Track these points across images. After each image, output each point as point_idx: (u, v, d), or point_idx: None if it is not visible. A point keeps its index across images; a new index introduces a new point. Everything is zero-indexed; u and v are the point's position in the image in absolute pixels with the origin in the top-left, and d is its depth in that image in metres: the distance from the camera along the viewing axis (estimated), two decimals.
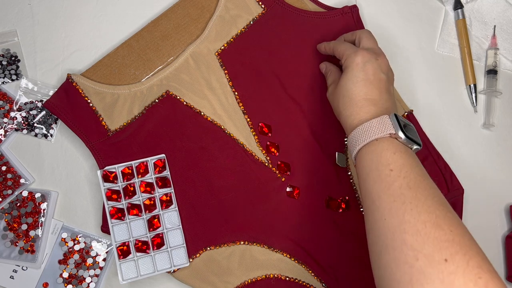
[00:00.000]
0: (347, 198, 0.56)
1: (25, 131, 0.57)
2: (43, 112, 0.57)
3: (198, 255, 0.54)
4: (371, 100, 0.47)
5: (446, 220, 0.38)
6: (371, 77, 0.48)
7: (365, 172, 0.44)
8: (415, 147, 0.45)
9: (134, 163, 0.54)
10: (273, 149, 0.56)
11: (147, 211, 0.53)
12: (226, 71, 0.57)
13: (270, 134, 0.56)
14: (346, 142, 0.48)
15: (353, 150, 0.46)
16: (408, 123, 0.47)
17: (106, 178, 0.53)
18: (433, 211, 0.39)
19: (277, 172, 0.56)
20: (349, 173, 0.56)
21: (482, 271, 0.35)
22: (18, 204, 0.55)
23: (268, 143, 0.56)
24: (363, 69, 0.48)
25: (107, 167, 0.53)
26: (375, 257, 0.41)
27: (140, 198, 0.54)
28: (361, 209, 0.55)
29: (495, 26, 0.64)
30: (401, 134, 0.44)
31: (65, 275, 0.55)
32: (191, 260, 0.53)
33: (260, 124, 0.56)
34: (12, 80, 0.58)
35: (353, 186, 0.56)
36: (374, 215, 0.41)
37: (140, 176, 0.54)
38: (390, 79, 0.50)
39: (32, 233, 0.55)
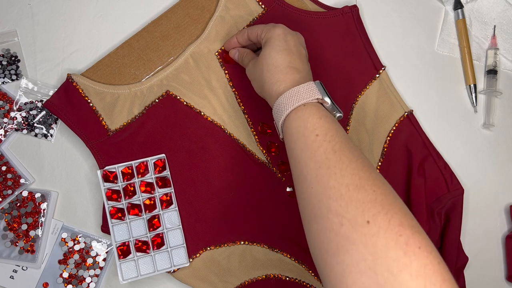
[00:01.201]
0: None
1: (25, 131, 0.57)
2: (43, 112, 0.57)
3: (198, 255, 0.54)
4: (295, 68, 0.47)
5: (370, 180, 0.38)
6: (293, 48, 0.49)
7: (293, 140, 0.44)
8: (338, 114, 0.46)
9: (134, 163, 0.54)
10: (273, 149, 0.56)
11: (147, 211, 0.53)
12: (226, 71, 0.57)
13: (270, 131, 0.56)
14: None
15: (279, 117, 0.46)
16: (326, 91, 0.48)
17: (106, 178, 0.53)
18: (356, 173, 0.39)
19: (277, 172, 0.56)
20: None
21: (403, 228, 0.35)
22: (18, 204, 0.55)
23: (268, 142, 0.56)
24: (285, 39, 0.49)
25: (107, 167, 0.53)
26: (306, 227, 0.41)
27: (140, 198, 0.54)
28: None
29: (495, 26, 0.64)
30: (327, 99, 0.45)
31: (65, 275, 0.55)
32: (191, 260, 0.53)
33: (260, 123, 0.56)
34: (12, 80, 0.58)
35: None
36: (303, 184, 0.41)
37: (140, 176, 0.54)
38: (307, 57, 0.51)
39: (32, 233, 0.55)
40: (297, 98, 0.45)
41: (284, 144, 0.56)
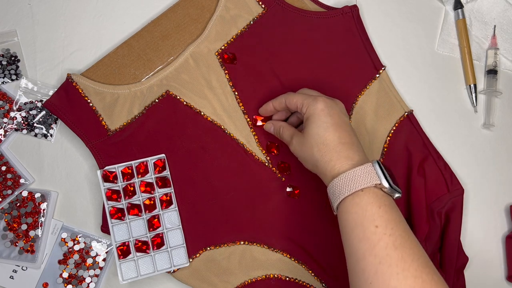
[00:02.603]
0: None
1: (25, 131, 0.57)
2: (43, 112, 0.57)
3: (198, 255, 0.53)
4: (346, 144, 0.46)
5: (432, 284, 0.38)
6: (338, 121, 0.47)
7: (349, 227, 0.43)
8: (397, 195, 0.45)
9: (134, 163, 0.54)
10: (273, 149, 0.56)
11: (147, 211, 0.53)
12: (226, 71, 0.57)
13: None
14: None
15: (335, 199, 0.45)
16: (386, 167, 0.46)
17: (106, 178, 0.53)
18: (419, 275, 0.38)
19: (277, 172, 0.56)
20: None
21: None
22: (18, 204, 0.55)
23: (268, 143, 0.56)
24: (329, 114, 0.47)
25: (107, 167, 0.53)
26: None
27: (140, 198, 0.54)
28: None
29: (495, 26, 0.64)
30: (385, 184, 0.43)
31: (65, 275, 0.55)
32: (191, 260, 0.53)
33: (254, 117, 0.56)
34: (12, 80, 0.58)
35: None
36: (359, 277, 0.40)
37: (140, 176, 0.54)
38: (349, 122, 0.50)
39: (32, 233, 0.55)
40: (354, 183, 0.43)
41: (284, 144, 0.56)
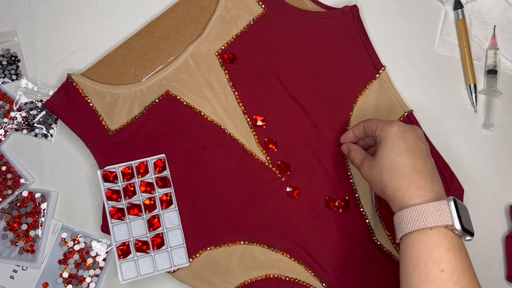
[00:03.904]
0: (347, 198, 0.56)
1: (25, 131, 0.57)
2: (43, 112, 0.57)
3: (198, 255, 0.54)
4: (419, 172, 0.44)
5: None
6: (413, 147, 0.45)
7: (411, 263, 0.40)
8: (468, 238, 0.42)
9: (134, 163, 0.54)
10: (271, 145, 0.56)
11: (147, 211, 0.53)
12: (226, 71, 0.57)
13: (264, 126, 0.56)
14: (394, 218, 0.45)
15: (400, 230, 0.42)
16: (463, 204, 0.44)
17: (106, 178, 0.53)
18: None
19: (277, 172, 0.56)
20: (349, 173, 0.56)
21: None
22: (18, 204, 0.55)
23: (266, 139, 0.56)
24: (403, 138, 0.45)
25: (107, 167, 0.53)
26: None
27: (140, 198, 0.54)
28: (361, 209, 0.55)
29: (495, 26, 0.64)
30: (458, 226, 0.41)
31: (65, 275, 0.55)
32: (191, 260, 0.53)
33: (254, 117, 0.56)
34: (12, 80, 0.58)
35: (352, 186, 0.56)
36: None
37: (140, 176, 0.54)
38: (429, 150, 0.47)
39: (32, 233, 0.55)
40: (424, 220, 0.40)
41: (283, 142, 0.56)
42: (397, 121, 0.47)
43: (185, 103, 0.56)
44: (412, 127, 0.47)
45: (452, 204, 0.42)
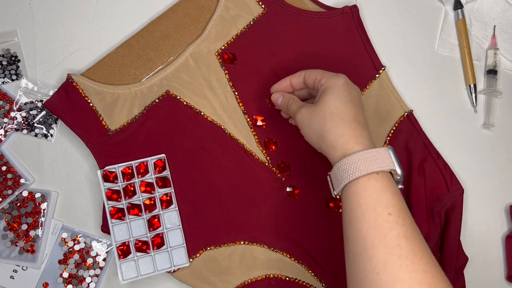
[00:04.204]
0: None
1: (25, 131, 0.57)
2: (43, 112, 0.57)
3: (198, 255, 0.54)
4: (361, 123, 0.45)
5: (440, 281, 0.37)
6: (356, 101, 0.46)
7: (359, 210, 0.40)
8: (400, 186, 0.43)
9: (134, 163, 0.54)
10: (271, 145, 0.56)
11: (147, 211, 0.53)
12: (226, 71, 0.57)
13: (264, 126, 0.56)
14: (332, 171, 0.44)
15: (345, 177, 0.42)
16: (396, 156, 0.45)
17: (106, 178, 0.53)
18: (429, 270, 0.37)
19: (277, 172, 0.56)
20: None
21: None
22: (18, 204, 0.55)
23: (266, 139, 0.56)
24: (348, 91, 0.46)
25: (107, 167, 0.53)
26: None
27: (140, 198, 0.54)
28: None
29: (495, 26, 0.64)
30: (399, 171, 0.42)
31: (65, 275, 0.55)
32: (191, 260, 0.53)
33: (254, 117, 0.56)
34: (12, 80, 0.58)
35: None
36: (366, 265, 0.38)
37: (140, 176, 0.54)
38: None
39: (32, 233, 0.55)
40: (372, 164, 0.41)
41: (283, 142, 0.56)
42: (344, 75, 0.48)
43: (185, 103, 0.56)
44: (356, 86, 0.48)
45: (392, 150, 0.43)
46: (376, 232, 0.39)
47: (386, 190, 0.40)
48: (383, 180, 0.41)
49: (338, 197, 0.44)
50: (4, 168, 0.56)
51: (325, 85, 0.47)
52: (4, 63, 0.58)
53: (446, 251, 0.55)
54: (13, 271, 0.55)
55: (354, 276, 0.40)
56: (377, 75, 0.59)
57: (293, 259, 0.54)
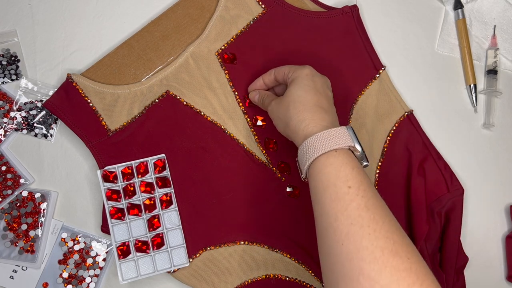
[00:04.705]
0: None
1: (25, 131, 0.57)
2: (43, 112, 0.57)
3: (198, 255, 0.53)
4: (322, 108, 0.47)
5: (404, 246, 0.37)
6: (320, 88, 0.48)
7: (321, 186, 0.42)
8: (365, 163, 0.46)
9: (134, 163, 0.54)
10: (271, 145, 0.56)
11: (147, 211, 0.53)
12: (226, 71, 0.57)
13: (264, 126, 0.56)
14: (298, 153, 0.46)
15: (307, 159, 0.44)
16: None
17: (106, 178, 0.53)
18: (390, 236, 0.38)
19: (277, 172, 0.56)
20: None
21: None
22: (18, 204, 0.55)
23: (266, 139, 0.56)
24: (312, 80, 0.48)
25: (107, 167, 0.53)
26: (332, 285, 0.39)
27: (140, 198, 0.54)
28: None
29: (495, 26, 0.64)
30: (358, 147, 0.44)
31: (65, 275, 0.55)
32: (191, 260, 0.53)
33: (254, 117, 0.56)
34: (12, 80, 0.58)
35: None
36: (331, 238, 0.40)
37: (140, 176, 0.54)
38: (332, 99, 0.50)
39: (32, 233, 0.55)
40: (329, 143, 0.43)
41: (283, 142, 0.56)
42: (309, 66, 0.50)
43: (185, 103, 0.56)
44: (322, 75, 0.50)
45: (350, 129, 0.45)
46: (338, 205, 0.40)
47: (345, 165, 0.42)
48: (342, 156, 0.43)
49: (306, 180, 0.46)
50: (4, 168, 0.56)
51: (291, 78, 0.50)
52: (4, 63, 0.58)
53: (446, 251, 0.55)
54: (13, 271, 0.55)
55: (323, 251, 0.41)
56: (377, 75, 0.59)
57: (293, 259, 0.54)
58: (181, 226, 0.54)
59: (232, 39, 0.58)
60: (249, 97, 0.56)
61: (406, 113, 0.58)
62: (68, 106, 0.54)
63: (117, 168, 0.54)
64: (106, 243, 0.56)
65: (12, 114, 0.57)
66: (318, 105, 0.47)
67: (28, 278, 0.54)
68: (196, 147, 0.55)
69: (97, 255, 0.55)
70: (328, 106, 0.48)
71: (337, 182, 0.41)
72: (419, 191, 0.56)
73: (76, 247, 0.55)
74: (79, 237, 0.56)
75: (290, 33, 0.59)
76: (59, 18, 0.60)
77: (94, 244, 0.56)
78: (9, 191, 0.55)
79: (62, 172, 0.57)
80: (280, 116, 0.49)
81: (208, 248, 0.54)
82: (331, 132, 0.44)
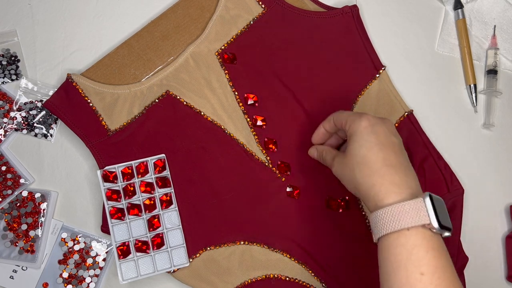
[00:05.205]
0: (347, 198, 0.56)
1: (25, 131, 0.57)
2: (43, 112, 0.57)
3: (198, 255, 0.53)
4: (392, 167, 0.42)
5: None
6: (384, 140, 0.43)
7: (391, 267, 0.39)
8: (446, 234, 0.40)
9: (134, 163, 0.54)
10: (271, 145, 0.56)
11: (147, 211, 0.53)
12: (226, 71, 0.57)
13: (264, 126, 0.56)
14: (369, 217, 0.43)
15: (377, 231, 0.41)
16: (438, 198, 0.41)
17: (106, 178, 0.53)
18: None
19: (277, 172, 0.56)
20: None
21: None
22: (18, 204, 0.55)
23: (266, 139, 0.56)
24: (373, 132, 0.44)
25: (107, 167, 0.53)
26: None
27: (140, 198, 0.54)
28: (361, 210, 0.55)
29: (495, 26, 0.64)
30: (435, 224, 0.39)
31: (65, 275, 0.55)
32: (191, 260, 0.53)
33: (254, 117, 0.56)
34: (12, 80, 0.58)
35: None
36: None
37: (140, 176, 0.54)
38: (401, 143, 0.46)
39: (32, 233, 0.55)
40: (400, 221, 0.39)
41: (283, 142, 0.56)
42: (367, 114, 0.46)
43: (185, 103, 0.56)
44: (383, 120, 0.45)
45: (428, 200, 0.40)
46: None
47: (418, 247, 0.38)
48: (415, 236, 0.39)
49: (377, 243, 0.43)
50: (4, 168, 0.56)
51: (349, 132, 0.46)
52: (4, 63, 0.58)
53: None
54: (13, 271, 0.55)
55: None
56: (377, 75, 0.59)
57: (293, 259, 0.54)
58: (181, 226, 0.54)
59: (232, 39, 0.58)
60: (308, 153, 0.54)
61: (406, 113, 0.58)
62: (68, 106, 0.54)
63: (117, 168, 0.54)
64: (106, 243, 0.56)
65: (12, 114, 0.57)
66: (386, 164, 0.42)
67: (28, 278, 0.54)
68: (196, 147, 0.55)
69: (97, 255, 0.55)
70: (396, 161, 0.43)
71: (409, 266, 0.38)
72: None
73: (76, 247, 0.55)
74: (79, 237, 0.56)
75: (290, 33, 0.59)
76: (59, 18, 0.60)
77: (94, 244, 0.56)
78: (9, 191, 0.55)
79: (62, 172, 0.57)
80: (347, 178, 0.45)
81: (208, 248, 0.54)
82: (403, 207, 0.39)
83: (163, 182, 0.54)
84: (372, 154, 0.43)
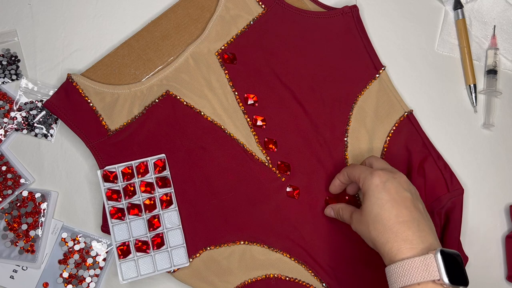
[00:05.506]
0: (346, 198, 0.56)
1: (25, 131, 0.57)
2: (43, 112, 0.57)
3: (198, 255, 0.54)
4: (405, 223, 0.43)
5: None
6: (396, 196, 0.45)
7: None
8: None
9: (134, 163, 0.54)
10: (271, 145, 0.56)
11: (147, 211, 0.53)
12: (226, 71, 0.57)
13: (264, 126, 0.56)
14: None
15: (391, 285, 0.43)
16: (453, 253, 0.42)
17: (106, 178, 0.53)
18: None
19: (277, 172, 0.56)
20: None
21: None
22: (18, 204, 0.55)
23: (266, 139, 0.56)
24: (385, 189, 0.45)
25: (107, 167, 0.53)
26: None
27: (140, 198, 0.54)
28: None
29: (495, 26, 0.64)
30: (446, 280, 0.40)
31: (65, 275, 0.55)
32: (191, 260, 0.53)
33: (254, 117, 0.56)
34: (12, 80, 0.58)
35: None
36: None
37: (140, 176, 0.54)
38: (415, 196, 0.47)
39: (32, 233, 0.55)
40: (410, 276, 0.40)
41: (283, 142, 0.56)
42: (379, 170, 0.47)
43: (185, 103, 0.56)
44: (394, 175, 0.47)
45: (439, 257, 0.40)
46: None
47: None
48: None
49: None
50: (4, 168, 0.56)
51: (363, 189, 0.47)
52: (4, 63, 0.58)
53: None
54: (13, 271, 0.55)
55: None
56: (377, 75, 0.59)
57: (293, 259, 0.54)
58: (181, 226, 0.54)
59: (232, 39, 0.58)
60: (325, 213, 0.55)
61: (406, 113, 0.58)
62: (68, 106, 0.54)
63: (117, 168, 0.54)
64: (106, 243, 0.56)
65: (12, 114, 0.57)
66: (399, 221, 0.43)
67: (28, 278, 0.54)
68: (196, 147, 0.55)
69: (97, 255, 0.55)
70: (410, 216, 0.44)
71: None
72: (419, 191, 0.55)
73: (76, 247, 0.55)
74: (79, 237, 0.56)
75: (290, 33, 0.59)
76: (59, 18, 0.60)
77: (94, 244, 0.56)
78: (9, 191, 0.55)
79: (62, 172, 0.57)
80: (364, 234, 0.47)
81: (208, 248, 0.54)
82: (413, 262, 0.41)
83: (163, 182, 0.54)
84: (384, 211, 0.44)
